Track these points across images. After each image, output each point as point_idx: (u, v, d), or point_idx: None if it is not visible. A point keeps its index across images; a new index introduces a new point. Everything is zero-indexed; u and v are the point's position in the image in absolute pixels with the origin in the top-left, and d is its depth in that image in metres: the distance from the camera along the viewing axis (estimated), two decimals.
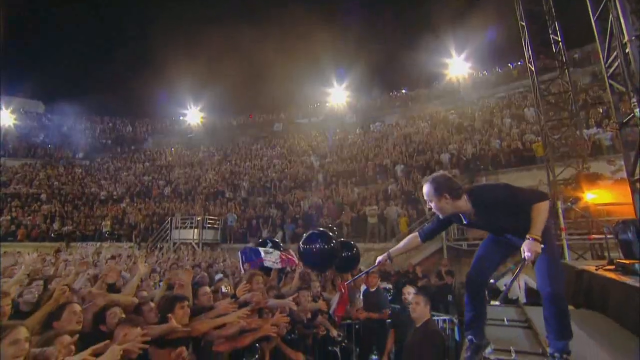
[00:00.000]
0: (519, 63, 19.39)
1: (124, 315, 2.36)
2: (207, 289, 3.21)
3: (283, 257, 4.69)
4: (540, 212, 1.91)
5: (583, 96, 13.85)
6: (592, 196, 8.00)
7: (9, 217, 16.83)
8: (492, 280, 2.17)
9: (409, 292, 3.87)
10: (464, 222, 2.16)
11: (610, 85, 5.35)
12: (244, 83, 29.04)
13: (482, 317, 2.40)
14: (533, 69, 9.52)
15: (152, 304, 2.60)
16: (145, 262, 3.60)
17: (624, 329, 2.70)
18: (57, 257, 8.35)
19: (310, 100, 27.06)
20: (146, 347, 2.00)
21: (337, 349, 3.72)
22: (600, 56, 5.52)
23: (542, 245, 1.83)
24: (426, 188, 2.07)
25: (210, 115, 28.93)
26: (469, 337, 2.31)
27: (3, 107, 25.51)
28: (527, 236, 1.84)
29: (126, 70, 31.80)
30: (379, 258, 2.54)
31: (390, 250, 2.52)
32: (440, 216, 2.18)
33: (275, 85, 26.35)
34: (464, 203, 2.03)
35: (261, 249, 4.70)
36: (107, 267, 3.61)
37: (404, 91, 25.55)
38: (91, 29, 36.79)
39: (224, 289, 3.46)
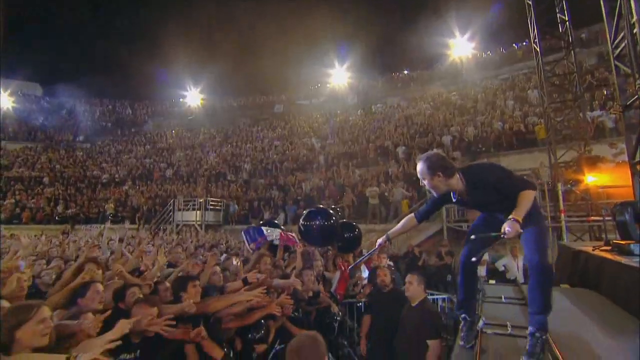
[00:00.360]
0: (524, 43, 19.05)
1: (141, 295, 2.48)
2: (218, 268, 3.32)
3: (282, 235, 4.81)
4: (526, 198, 1.98)
5: (588, 78, 13.68)
6: (593, 179, 8.03)
7: (13, 201, 16.98)
8: (473, 259, 2.25)
9: (385, 274, 3.85)
10: (453, 199, 2.24)
11: (616, 66, 5.28)
12: (244, 64, 28.60)
13: (474, 296, 2.53)
14: (538, 49, 9.35)
15: (167, 284, 2.72)
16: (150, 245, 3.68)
17: (615, 305, 2.82)
18: (63, 239, 8.53)
19: (311, 81, 26.80)
20: (171, 329, 2.11)
21: (335, 324, 3.87)
22: (607, 36, 5.42)
23: (522, 230, 1.90)
24: (420, 166, 2.13)
25: (210, 97, 28.69)
26: (463, 315, 2.42)
27: (1, 90, 25.26)
28: (510, 216, 1.91)
29: (124, 51, 31.17)
30: (379, 241, 2.60)
31: (388, 233, 2.59)
32: (435, 194, 2.25)
33: (276, 66, 25.95)
34: (457, 181, 2.10)
35: (262, 228, 4.81)
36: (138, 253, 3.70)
37: (405, 72, 25.22)
38: (88, 10, 35.87)
39: (234, 262, 3.57)
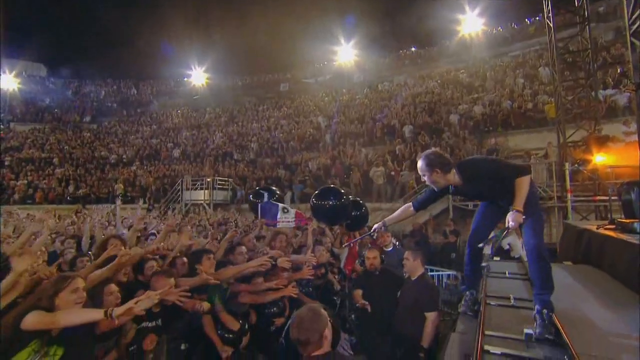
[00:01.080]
0: (537, 18, 18.35)
1: (159, 268, 2.64)
2: (244, 248, 3.43)
3: (298, 215, 4.95)
4: (522, 186, 2.13)
5: (603, 55, 13.25)
6: (602, 158, 7.96)
7: (25, 181, 17.37)
8: (480, 245, 2.42)
9: (375, 256, 3.87)
10: (451, 190, 2.41)
11: (632, 43, 5.14)
12: (249, 42, 28.09)
13: (479, 273, 2.82)
14: (551, 24, 9.04)
15: (185, 259, 2.88)
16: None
17: (616, 281, 2.91)
18: (77, 218, 8.79)
19: (316, 59, 26.31)
20: (186, 299, 2.26)
21: (337, 300, 4.05)
22: (624, 11, 5.25)
23: (524, 217, 2.07)
24: (420, 163, 2.32)
25: (215, 76, 28.36)
26: (471, 290, 2.67)
27: (6, 71, 25.25)
28: (511, 208, 2.08)
29: (126, 29, 30.69)
30: (375, 226, 2.76)
31: (385, 220, 2.74)
32: (435, 189, 2.42)
33: (281, 44, 25.47)
34: (453, 176, 2.28)
35: (280, 206, 4.95)
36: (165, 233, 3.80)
37: (413, 49, 24.59)
38: None
39: (256, 241, 3.69)
